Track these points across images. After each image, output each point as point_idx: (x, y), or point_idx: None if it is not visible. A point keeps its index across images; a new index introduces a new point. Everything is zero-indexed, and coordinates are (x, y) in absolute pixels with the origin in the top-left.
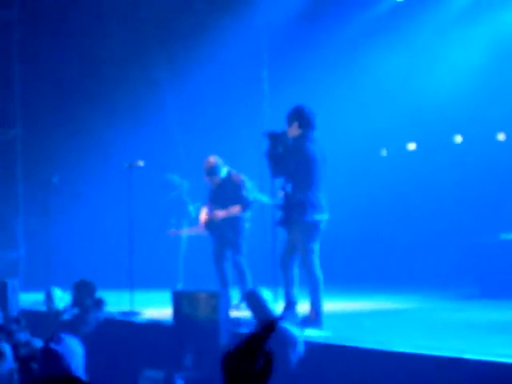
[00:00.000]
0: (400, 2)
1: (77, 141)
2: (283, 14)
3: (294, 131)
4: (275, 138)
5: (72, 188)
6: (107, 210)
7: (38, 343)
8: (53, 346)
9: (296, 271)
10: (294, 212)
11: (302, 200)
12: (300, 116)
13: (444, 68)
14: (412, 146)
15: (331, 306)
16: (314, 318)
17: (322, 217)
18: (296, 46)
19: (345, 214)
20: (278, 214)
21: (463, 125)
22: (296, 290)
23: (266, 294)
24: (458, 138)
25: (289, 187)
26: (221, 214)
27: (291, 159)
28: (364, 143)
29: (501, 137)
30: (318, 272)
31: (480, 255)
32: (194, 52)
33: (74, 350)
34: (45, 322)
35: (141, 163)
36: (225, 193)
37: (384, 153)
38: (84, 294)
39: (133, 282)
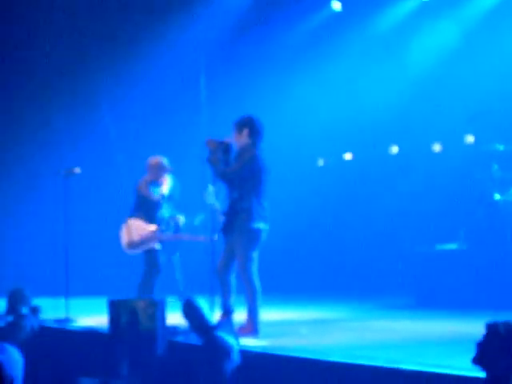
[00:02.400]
0: (338, 13)
1: (13, 147)
2: (221, 23)
3: (242, 139)
4: (218, 145)
5: (6, 195)
6: (43, 217)
7: None
8: None
9: (233, 279)
10: (238, 219)
11: (247, 208)
12: (251, 125)
13: (381, 78)
14: (348, 156)
15: (268, 314)
16: (250, 327)
17: (265, 226)
18: (234, 55)
19: (282, 223)
20: (221, 221)
21: (399, 135)
22: (233, 299)
23: (202, 303)
24: (394, 149)
25: (234, 194)
26: None
27: (240, 167)
28: (301, 153)
29: (436, 148)
30: (256, 281)
31: (416, 265)
32: (133, 61)
33: (16, 359)
34: None
35: (77, 170)
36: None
37: (321, 163)
38: (19, 301)
39: (69, 289)
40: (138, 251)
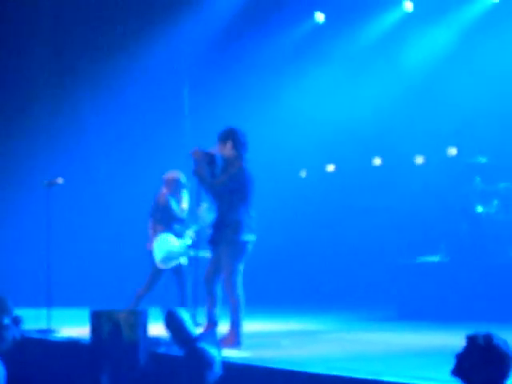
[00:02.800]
0: (321, 24)
1: None
2: (206, 34)
3: (227, 151)
4: (203, 156)
5: None
6: (26, 228)
7: None
8: None
9: (219, 290)
10: (226, 231)
11: (234, 220)
12: (234, 137)
13: (364, 90)
14: (331, 168)
15: (250, 325)
16: (233, 339)
17: (252, 238)
18: (217, 65)
19: (265, 234)
20: (209, 233)
21: (382, 147)
22: (218, 310)
23: (184, 314)
24: (377, 161)
25: (222, 206)
26: None
27: (228, 179)
28: (283, 164)
29: (419, 160)
30: (240, 293)
31: (398, 277)
32: (116, 70)
33: None
34: None
35: (60, 181)
36: None
37: (303, 174)
38: (0, 311)
39: (51, 299)
40: (170, 266)
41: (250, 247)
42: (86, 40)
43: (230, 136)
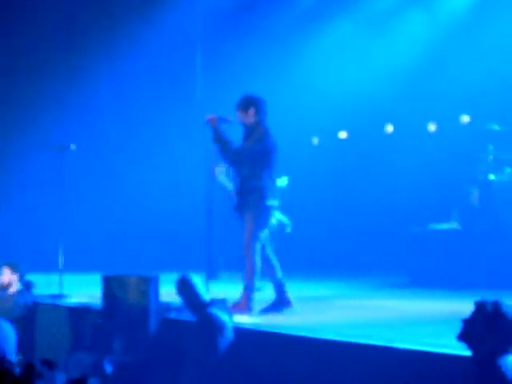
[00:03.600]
0: None
1: (3, 124)
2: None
3: (249, 119)
4: (219, 121)
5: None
6: (37, 192)
7: None
8: None
9: (258, 258)
10: (250, 197)
11: (258, 185)
12: (257, 103)
13: (377, 57)
14: (343, 135)
15: (263, 292)
16: (245, 304)
17: (275, 203)
18: (229, 31)
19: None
20: (234, 200)
21: (394, 114)
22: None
23: (196, 280)
24: (390, 128)
25: (245, 172)
26: None
27: (253, 144)
28: (296, 131)
29: (431, 127)
30: (257, 259)
31: (410, 244)
32: (130, 37)
33: (8, 334)
34: None
35: (72, 147)
36: None
37: (315, 141)
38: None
39: (63, 265)
40: None
41: (273, 212)
42: (100, 5)
43: (253, 103)
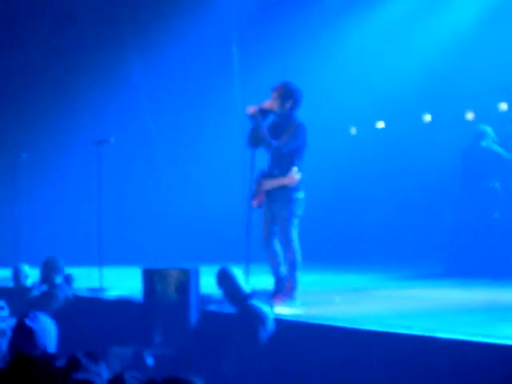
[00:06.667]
0: None
1: (44, 118)
2: None
3: (284, 108)
4: (259, 112)
5: (40, 165)
6: (76, 187)
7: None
8: (28, 323)
9: (279, 248)
10: (286, 189)
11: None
12: (297, 95)
13: (413, 46)
14: (381, 125)
15: (302, 283)
16: (288, 293)
17: (303, 194)
18: (265, 22)
19: (314, 192)
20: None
21: (432, 104)
22: (283, 267)
23: (237, 272)
24: (427, 117)
25: (281, 164)
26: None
27: (293, 139)
28: (333, 121)
29: (469, 116)
30: (297, 248)
31: (446, 234)
32: (164, 27)
33: (48, 328)
34: (13, 298)
35: (111, 140)
36: None
37: (353, 131)
38: (52, 270)
39: (103, 258)
40: None
41: (303, 204)
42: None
43: (293, 95)
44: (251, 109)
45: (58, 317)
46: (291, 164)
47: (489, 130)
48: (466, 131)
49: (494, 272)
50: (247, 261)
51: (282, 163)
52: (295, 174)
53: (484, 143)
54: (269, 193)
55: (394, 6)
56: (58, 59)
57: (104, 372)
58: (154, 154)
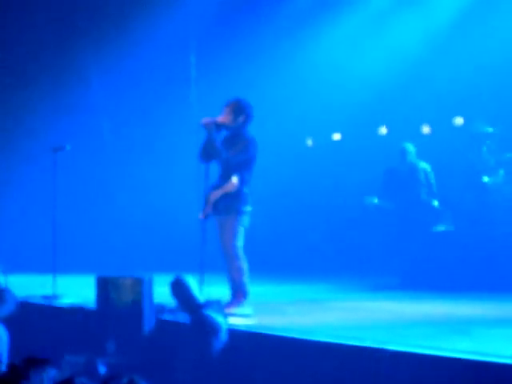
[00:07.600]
0: None
1: (2, 124)
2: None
3: (236, 123)
4: (214, 124)
5: None
6: (32, 194)
7: None
8: None
9: (242, 256)
10: (234, 202)
11: (243, 191)
12: (248, 111)
13: (370, 59)
14: (337, 137)
15: (255, 294)
16: (240, 299)
17: (250, 208)
18: (224, 32)
19: (271, 202)
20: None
21: (388, 116)
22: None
23: (191, 281)
24: (383, 130)
25: (228, 176)
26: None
27: (242, 152)
28: (289, 133)
29: (425, 129)
30: (243, 261)
31: (402, 246)
32: (122, 35)
33: (0, 336)
34: None
35: (68, 147)
36: None
37: (309, 142)
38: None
39: (56, 266)
40: None
41: (249, 218)
42: (93, 4)
43: (245, 111)
44: (206, 120)
45: (9, 325)
46: (240, 176)
47: (410, 147)
48: (422, 144)
49: (447, 285)
50: (201, 270)
51: (230, 176)
52: (234, 180)
53: (408, 159)
54: (215, 204)
55: (349, 21)
56: (12, 66)
57: (49, 379)
58: (110, 162)
